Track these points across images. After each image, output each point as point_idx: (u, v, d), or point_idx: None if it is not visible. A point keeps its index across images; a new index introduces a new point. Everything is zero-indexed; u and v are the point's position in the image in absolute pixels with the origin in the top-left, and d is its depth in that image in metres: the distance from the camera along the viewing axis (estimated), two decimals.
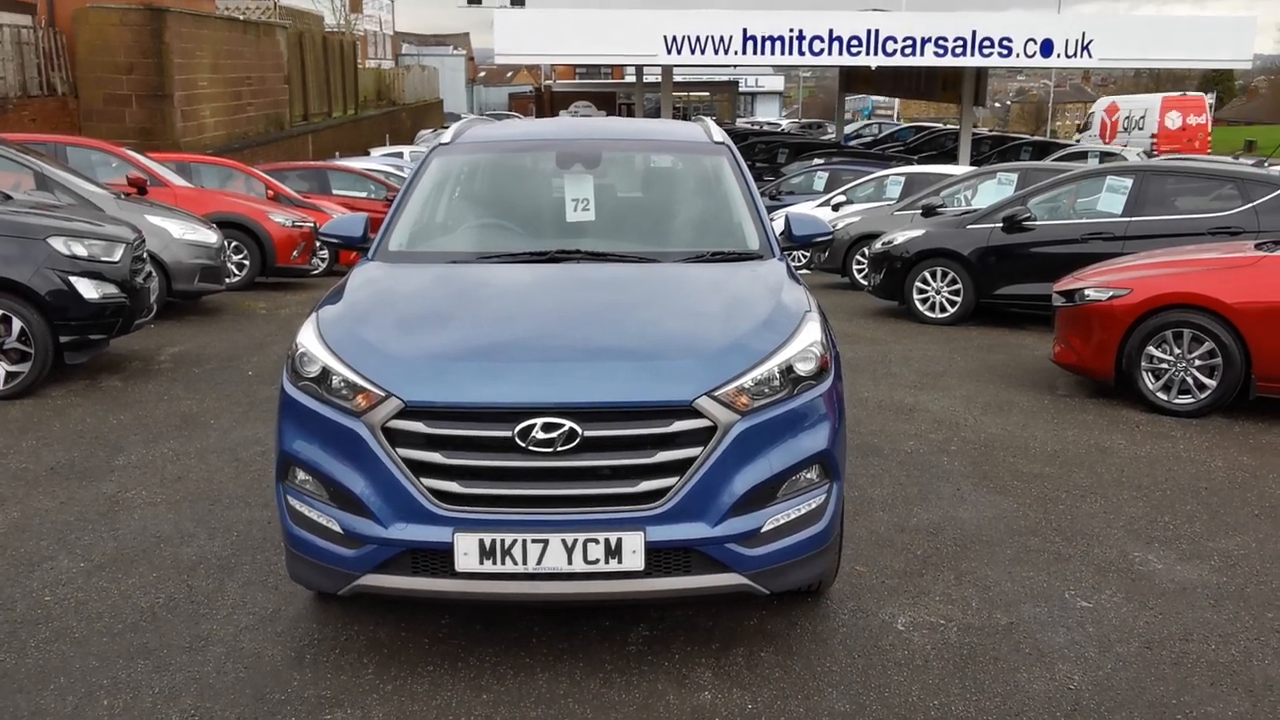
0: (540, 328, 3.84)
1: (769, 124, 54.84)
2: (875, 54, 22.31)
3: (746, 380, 3.52)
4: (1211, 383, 7.22)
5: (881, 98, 57.62)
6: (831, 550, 3.85)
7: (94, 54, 20.52)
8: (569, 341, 3.72)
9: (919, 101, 47.33)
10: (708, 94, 69.00)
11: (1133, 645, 4.00)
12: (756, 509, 3.50)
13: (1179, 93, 38.57)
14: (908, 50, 22.26)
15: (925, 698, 3.62)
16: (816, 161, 22.79)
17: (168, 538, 4.93)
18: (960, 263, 11.02)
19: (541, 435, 3.35)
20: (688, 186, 5.23)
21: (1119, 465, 6.24)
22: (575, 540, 3.35)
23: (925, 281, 11.28)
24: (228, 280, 11.69)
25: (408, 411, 3.41)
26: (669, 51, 22.33)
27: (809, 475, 3.64)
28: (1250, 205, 9.67)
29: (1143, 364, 7.41)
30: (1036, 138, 36.95)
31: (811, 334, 3.80)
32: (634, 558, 3.37)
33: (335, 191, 17.52)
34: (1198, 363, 7.25)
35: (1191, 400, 7.30)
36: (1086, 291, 7.66)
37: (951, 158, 25.35)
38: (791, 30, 22.28)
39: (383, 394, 3.44)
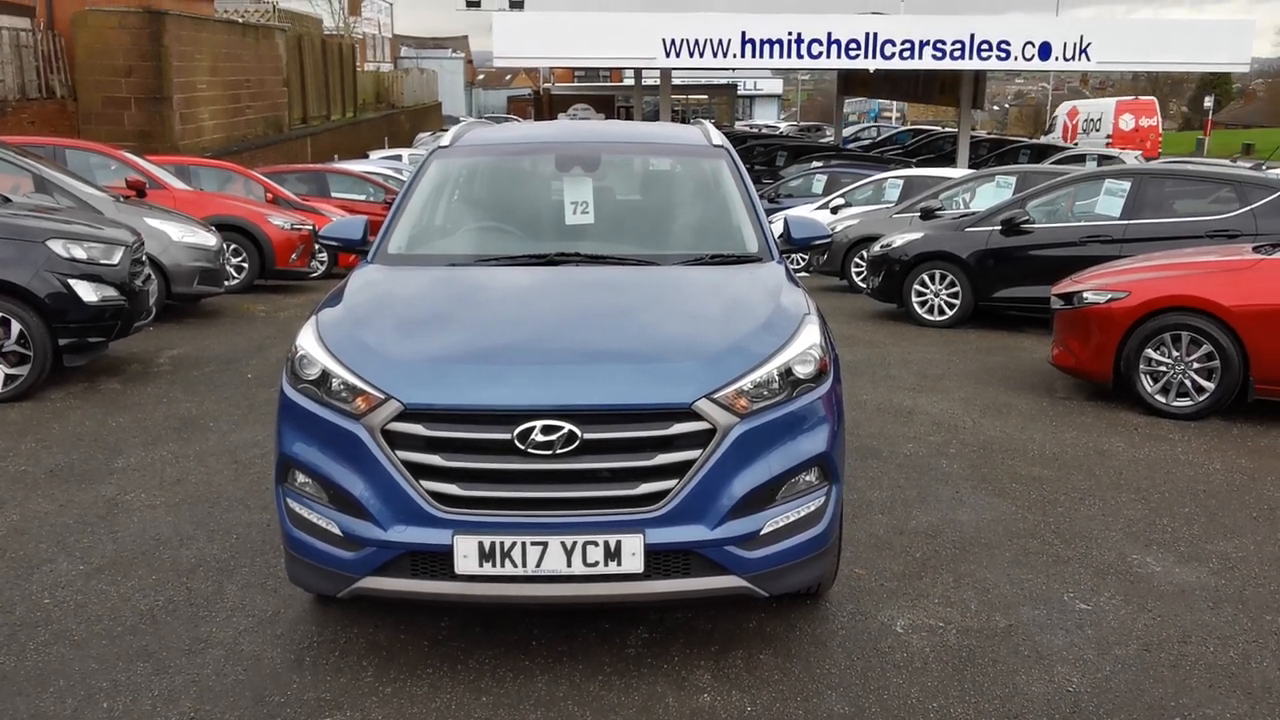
0: (539, 330, 3.84)
1: (767, 127, 54.83)
2: (874, 57, 22.31)
3: (745, 383, 3.53)
4: (1210, 385, 7.23)
5: (888, 101, 57.66)
6: (830, 553, 3.85)
7: (93, 57, 20.53)
8: (568, 344, 3.73)
9: (924, 105, 47.47)
10: (706, 97, 69.09)
11: (1131, 647, 4.01)
12: (756, 511, 3.51)
13: (1131, 97, 42.02)
14: (906, 53, 22.27)
15: (924, 700, 3.62)
16: (815, 164, 22.80)
17: (167, 540, 4.94)
18: (959, 265, 11.04)
19: (541, 438, 3.35)
20: (687, 189, 5.24)
21: (1117, 468, 6.25)
22: (575, 543, 3.36)
23: (924, 284, 11.29)
24: (227, 283, 11.69)
25: (407, 414, 3.42)
26: (667, 54, 22.33)
27: (808, 478, 3.64)
28: (1248, 208, 9.69)
29: (1141, 367, 7.42)
30: (1035, 141, 37.00)
31: (810, 337, 3.80)
32: (633, 560, 3.38)
33: (334, 194, 17.53)
34: (1196, 365, 7.26)
35: (1190, 403, 7.31)
36: (1085, 294, 7.68)
37: (950, 161, 25.36)
38: (790, 33, 22.29)
39: (382, 396, 3.45)
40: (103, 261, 7.67)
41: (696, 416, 3.43)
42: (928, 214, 12.68)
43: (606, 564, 3.37)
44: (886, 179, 16.96)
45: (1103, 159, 23.39)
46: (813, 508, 3.64)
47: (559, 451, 3.36)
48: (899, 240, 11.65)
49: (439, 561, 3.41)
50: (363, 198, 17.59)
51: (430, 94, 55.39)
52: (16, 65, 19.14)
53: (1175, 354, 7.31)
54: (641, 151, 5.61)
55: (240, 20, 27.26)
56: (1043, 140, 36.85)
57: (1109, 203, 10.35)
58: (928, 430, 6.99)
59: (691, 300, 4.12)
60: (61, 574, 4.55)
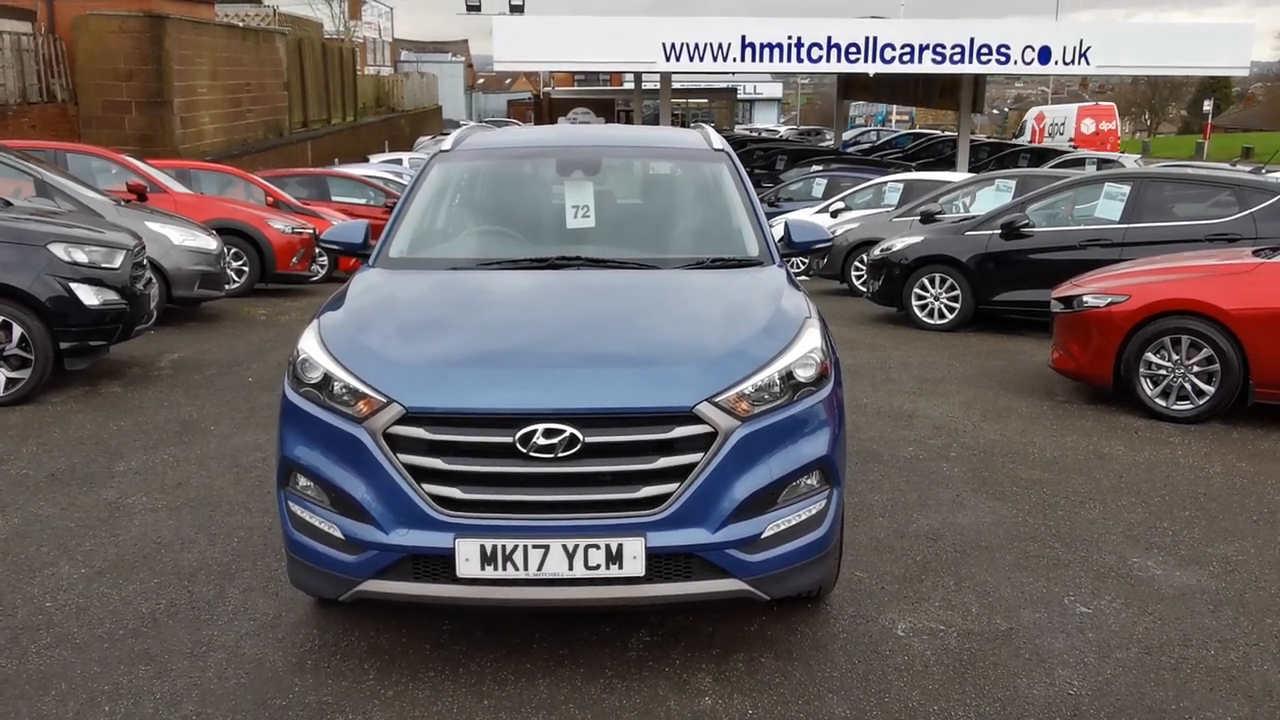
0: (541, 334, 3.85)
1: (767, 130, 54.90)
2: (873, 61, 22.34)
3: (747, 386, 3.53)
4: (1210, 389, 7.23)
5: (902, 106, 57.72)
6: (831, 556, 3.86)
7: (94, 61, 20.56)
8: (570, 348, 3.73)
9: (927, 109, 47.76)
10: (706, 101, 69.11)
11: (1132, 650, 4.01)
12: (757, 515, 3.51)
13: (1092, 102, 47.01)
14: (906, 57, 22.30)
15: (925, 703, 3.63)
16: (815, 168, 22.83)
17: (168, 544, 4.94)
18: (959, 269, 11.05)
19: (542, 441, 3.36)
20: (687, 193, 5.25)
21: (1118, 471, 6.25)
22: (576, 546, 3.36)
23: (924, 288, 11.30)
24: (227, 287, 11.71)
25: (409, 417, 3.42)
26: (668, 58, 22.36)
27: (809, 481, 3.65)
28: (1248, 212, 9.70)
29: (1141, 370, 7.43)
30: (1035, 144, 37.06)
31: (811, 340, 3.81)
32: (635, 563, 3.38)
33: (334, 198, 17.54)
34: (1196, 369, 7.26)
35: (1190, 406, 7.31)
36: (1085, 298, 7.68)
37: (950, 164, 25.39)
38: (790, 37, 22.32)
39: (384, 400, 3.45)
40: (104, 265, 7.68)
41: (698, 420, 3.44)
42: (928, 218, 12.70)
43: (608, 567, 3.38)
44: (886, 183, 16.98)
45: (1102, 163, 23.41)
46: (814, 511, 3.65)
47: (560, 455, 3.36)
48: (899, 244, 11.66)
49: (441, 565, 3.41)
50: (363, 201, 17.60)
51: (430, 98, 55.46)
52: (17, 69, 19.16)
53: (1175, 357, 7.31)
54: (642, 155, 5.62)
55: (241, 24, 27.30)
56: (1014, 142, 37.68)
57: (1109, 206, 10.36)
58: (928, 434, 7.00)
59: (692, 304, 4.12)
60: (63, 577, 4.55)
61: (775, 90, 78.36)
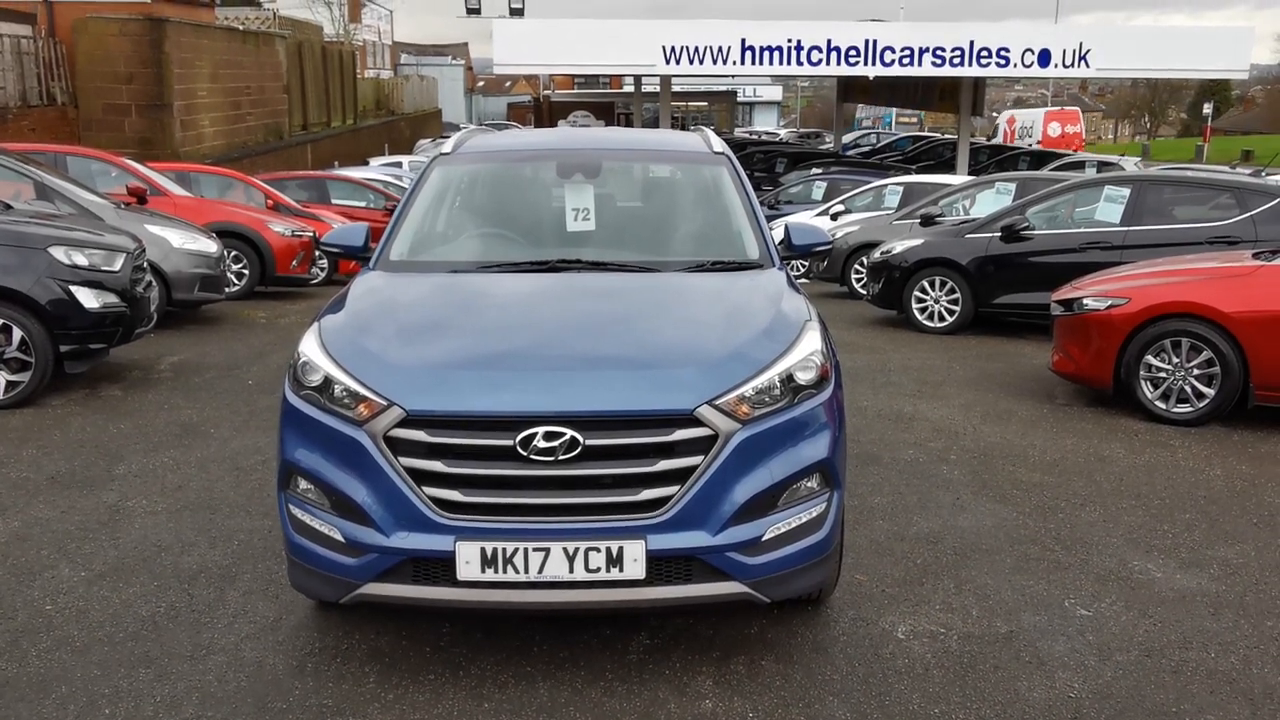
0: (541, 337, 3.85)
1: (767, 133, 54.92)
2: (873, 64, 22.36)
3: (747, 389, 3.53)
4: (1210, 391, 7.23)
5: (895, 107, 57.85)
6: (832, 559, 3.86)
7: (94, 64, 20.56)
8: (570, 351, 3.73)
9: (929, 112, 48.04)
10: (706, 104, 69.16)
11: (1132, 653, 4.01)
12: (757, 517, 3.51)
13: (1058, 107, 51.14)
14: (905, 60, 22.32)
15: (926, 706, 3.63)
16: (815, 171, 22.83)
17: (168, 546, 4.94)
18: (959, 272, 11.05)
19: (543, 444, 3.36)
20: (688, 196, 5.25)
21: (1118, 474, 6.25)
22: (577, 549, 3.36)
23: (924, 290, 11.30)
24: (227, 289, 11.70)
25: (410, 420, 3.42)
26: (667, 61, 22.38)
27: (809, 484, 3.65)
28: (1248, 215, 9.71)
29: (1141, 373, 7.43)
30: (1035, 147, 37.10)
31: (812, 343, 3.81)
32: (635, 566, 3.38)
33: (334, 201, 17.54)
34: (1196, 371, 7.26)
35: (1190, 409, 7.32)
36: (1085, 301, 7.69)
37: (949, 167, 25.40)
38: (790, 41, 22.34)
39: (385, 403, 3.46)
40: (104, 268, 7.68)
41: (698, 423, 3.44)
42: (928, 220, 12.71)
43: (608, 570, 3.38)
44: (886, 185, 16.98)
45: (1102, 165, 23.43)
46: (814, 514, 3.65)
47: (561, 458, 3.37)
48: (899, 247, 11.67)
49: (441, 567, 3.41)
50: (363, 204, 17.60)
51: (430, 101, 55.49)
52: (18, 72, 19.17)
53: (1175, 360, 7.31)
54: (642, 158, 5.63)
55: (241, 27, 27.31)
56: (988, 143, 38.26)
57: (1109, 209, 10.37)
58: (928, 436, 7.00)
59: (693, 307, 4.13)
60: (63, 580, 4.55)
61: (775, 93, 78.44)
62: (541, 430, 3.36)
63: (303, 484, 3.64)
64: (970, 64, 22.29)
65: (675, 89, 33.61)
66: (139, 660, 3.87)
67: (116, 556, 4.82)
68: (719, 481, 3.44)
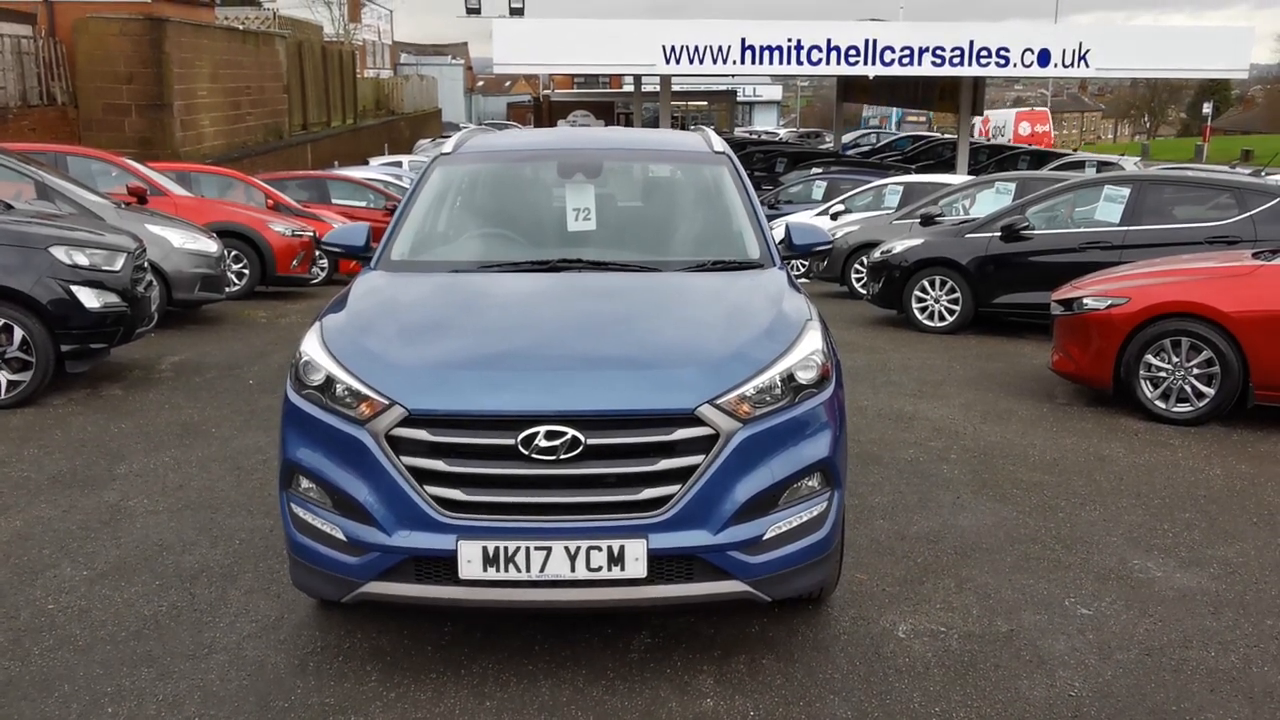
0: (543, 337, 3.86)
1: (767, 133, 54.93)
2: (873, 64, 22.36)
3: (748, 389, 3.54)
4: (1210, 391, 7.24)
5: (894, 107, 58.01)
6: (832, 558, 3.87)
7: (94, 64, 20.56)
8: (571, 350, 3.74)
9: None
10: (706, 103, 69.13)
11: (1133, 652, 4.02)
12: (758, 516, 3.52)
13: (1028, 108, 55.43)
14: (905, 60, 22.32)
15: (926, 705, 3.63)
16: (815, 171, 22.84)
17: (170, 546, 4.95)
18: (959, 271, 11.06)
19: (544, 443, 3.36)
20: (688, 196, 5.26)
21: (1118, 473, 6.26)
22: (578, 548, 3.37)
23: (924, 290, 11.31)
24: (228, 289, 11.70)
25: (411, 420, 3.43)
26: (667, 61, 22.38)
27: (810, 483, 3.66)
28: (1247, 214, 9.71)
29: (1141, 372, 7.44)
30: (1034, 147, 37.11)
31: (812, 342, 3.82)
32: (636, 565, 3.39)
33: (334, 201, 17.55)
34: (1196, 371, 7.27)
35: (1190, 408, 7.32)
36: (1085, 300, 7.69)
37: (949, 167, 25.40)
38: (790, 40, 22.34)
39: (386, 402, 3.46)
40: (105, 268, 7.68)
41: (699, 422, 3.45)
42: (928, 220, 12.71)
43: (610, 569, 3.38)
44: (886, 185, 16.99)
45: (1102, 165, 23.44)
46: (815, 513, 3.65)
47: (562, 457, 3.37)
48: (899, 246, 11.67)
49: (443, 566, 3.42)
50: (363, 204, 17.61)
51: (430, 100, 55.48)
52: (18, 72, 19.17)
53: (1175, 360, 7.32)
54: (643, 158, 5.64)
55: (241, 27, 27.32)
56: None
57: (1108, 209, 10.37)
58: (928, 436, 7.00)
59: (694, 306, 4.13)
60: (65, 579, 4.56)
61: (775, 93, 78.41)
62: (543, 430, 3.37)
63: (304, 483, 3.65)
64: (970, 64, 22.29)
65: (675, 89, 33.61)
66: (141, 659, 3.87)
67: (118, 556, 4.82)
68: (720, 481, 3.45)
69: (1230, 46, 23.01)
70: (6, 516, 5.31)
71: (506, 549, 3.37)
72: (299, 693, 3.67)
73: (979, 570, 4.77)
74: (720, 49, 22.30)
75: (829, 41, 22.34)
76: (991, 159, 27.60)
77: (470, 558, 3.37)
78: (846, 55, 22.37)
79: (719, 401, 3.48)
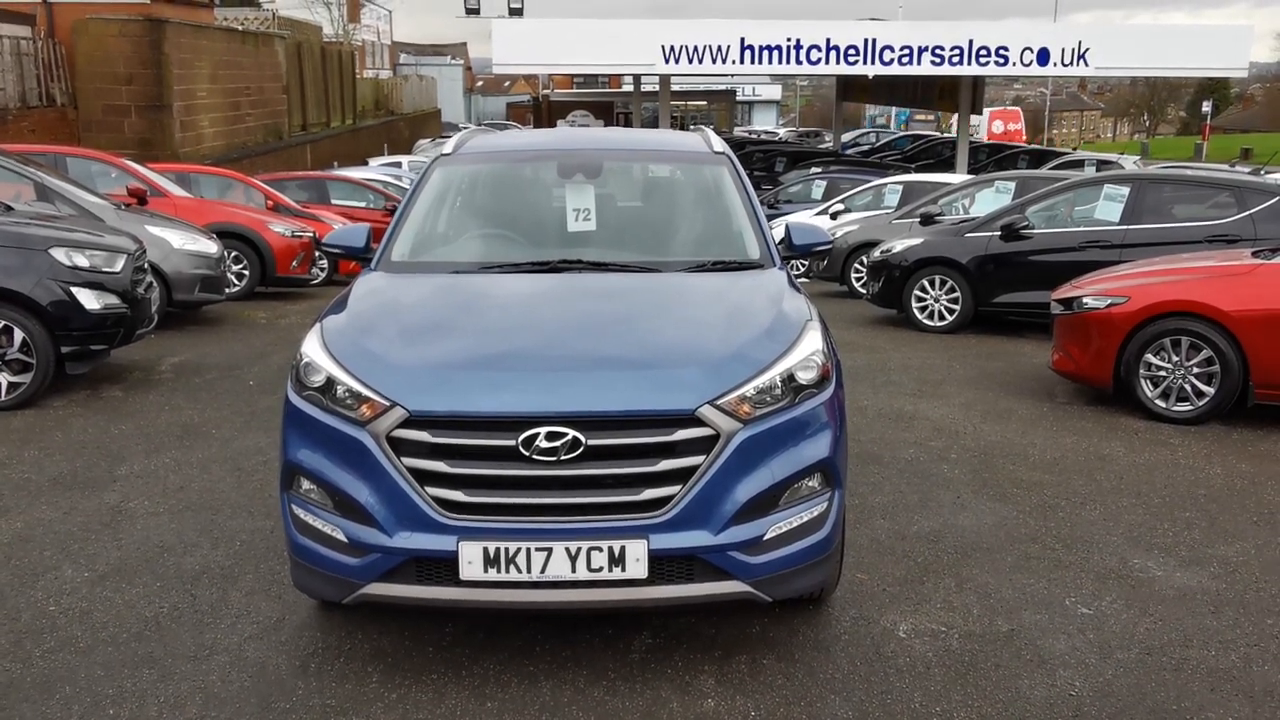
0: (543, 337, 3.86)
1: (766, 133, 54.92)
2: (872, 63, 22.38)
3: (748, 389, 3.54)
4: (1210, 390, 7.24)
5: (894, 106, 58.18)
6: (833, 558, 3.87)
7: (93, 65, 20.56)
8: (572, 351, 3.74)
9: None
10: (705, 103, 69.12)
11: (1133, 652, 4.02)
12: (758, 517, 3.52)
13: (1001, 106, 57.99)
14: (905, 59, 22.33)
15: (927, 704, 3.64)
16: (814, 170, 22.84)
17: (171, 547, 4.95)
18: (959, 271, 11.06)
19: (545, 444, 3.37)
20: (688, 196, 5.26)
21: (1118, 472, 6.26)
22: (579, 548, 3.37)
23: (924, 290, 11.31)
24: (228, 290, 11.70)
25: (412, 421, 3.43)
26: (667, 61, 22.40)
27: (810, 483, 3.66)
28: (1247, 213, 9.72)
29: (1141, 371, 7.44)
30: (1034, 146, 37.15)
31: (813, 343, 3.82)
32: (637, 566, 3.39)
33: (334, 201, 17.55)
34: (1196, 370, 7.27)
35: (1190, 407, 7.33)
36: (1084, 299, 7.70)
37: (949, 166, 25.41)
38: (789, 40, 22.35)
39: (387, 403, 3.47)
40: (105, 269, 7.68)
41: (700, 423, 3.45)
42: (927, 219, 12.71)
43: (610, 569, 3.39)
44: (886, 184, 16.99)
45: (1101, 164, 23.44)
46: (815, 513, 3.66)
47: (563, 458, 3.38)
48: (899, 246, 11.67)
49: (444, 567, 3.42)
50: (363, 204, 17.61)
51: (429, 101, 55.48)
52: (17, 73, 19.17)
53: (1175, 359, 7.32)
54: (643, 158, 5.64)
55: (240, 28, 27.32)
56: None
57: (1108, 208, 10.38)
58: (928, 435, 7.01)
59: (694, 307, 4.13)
60: (66, 581, 4.56)
61: (774, 92, 78.42)
62: (543, 430, 3.37)
63: (305, 484, 3.65)
64: (969, 63, 22.31)
65: (675, 88, 33.64)
66: (142, 661, 3.88)
67: (119, 557, 4.83)
68: (720, 481, 3.45)
69: (1229, 45, 23.03)
70: (7, 518, 5.31)
71: (507, 550, 3.37)
72: (300, 694, 3.67)
73: (979, 570, 4.77)
74: (720, 49, 22.32)
75: (828, 41, 22.36)
76: (991, 158, 27.61)
77: (471, 559, 3.38)
78: (846, 55, 22.39)
79: (719, 402, 3.48)
